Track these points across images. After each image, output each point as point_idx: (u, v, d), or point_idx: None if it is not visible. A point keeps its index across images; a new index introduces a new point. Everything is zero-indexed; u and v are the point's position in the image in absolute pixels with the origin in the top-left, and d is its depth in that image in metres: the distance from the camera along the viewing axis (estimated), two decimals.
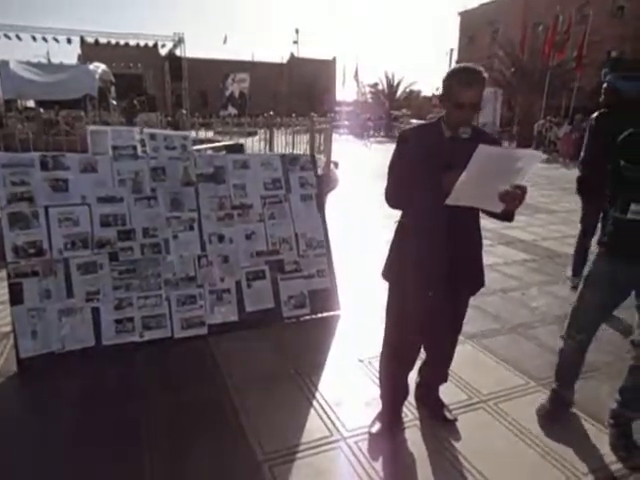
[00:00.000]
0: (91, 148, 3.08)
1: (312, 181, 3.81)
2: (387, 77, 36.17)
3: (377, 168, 12.06)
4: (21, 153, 3.22)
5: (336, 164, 12.90)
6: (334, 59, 45.81)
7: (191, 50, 30.77)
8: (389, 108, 34.44)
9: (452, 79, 1.90)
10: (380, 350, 2.37)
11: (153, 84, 33.40)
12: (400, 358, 2.32)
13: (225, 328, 3.35)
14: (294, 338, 3.33)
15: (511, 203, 1.80)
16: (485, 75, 1.90)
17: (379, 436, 2.31)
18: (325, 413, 2.50)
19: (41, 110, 10.73)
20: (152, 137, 3.30)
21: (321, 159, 10.33)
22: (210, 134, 14.47)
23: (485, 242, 2.28)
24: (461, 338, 3.31)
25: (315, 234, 3.73)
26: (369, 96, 37.09)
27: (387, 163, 2.11)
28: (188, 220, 3.33)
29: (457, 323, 2.35)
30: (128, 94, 24.95)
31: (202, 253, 3.36)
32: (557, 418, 2.47)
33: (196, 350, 3.12)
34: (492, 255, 5.25)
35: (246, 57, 43.46)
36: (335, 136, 23.28)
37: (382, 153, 16.77)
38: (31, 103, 21.55)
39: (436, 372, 2.52)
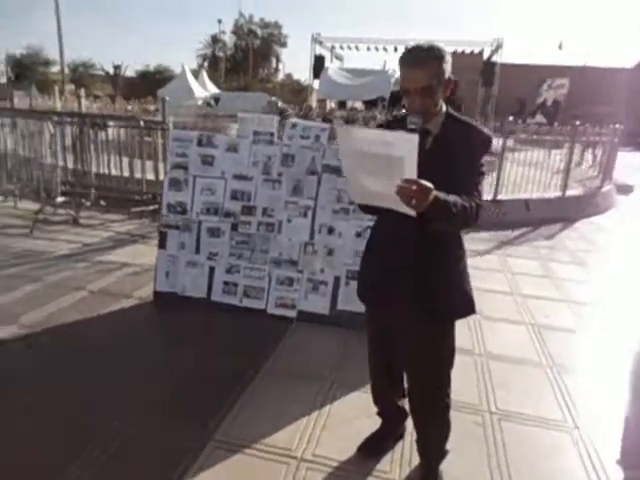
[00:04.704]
0: (237, 132, 3.57)
1: None
2: None
3: None
4: (187, 131, 3.96)
5: (627, 188, 10.48)
6: None
7: (516, 56, 29.59)
8: None
9: (399, 61, 1.61)
10: None
11: (467, 89, 33.76)
12: (372, 380, 2.14)
13: (313, 318, 3.38)
14: None
15: (408, 202, 1.42)
16: (435, 53, 1.57)
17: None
18: (312, 428, 2.29)
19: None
20: (293, 126, 3.55)
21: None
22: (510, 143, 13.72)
23: None
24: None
25: None
26: None
27: None
28: (304, 207, 3.47)
29: (427, 362, 1.85)
30: None
31: (310, 241, 3.45)
32: None
33: (272, 328, 3.28)
34: None
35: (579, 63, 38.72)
36: None
37: None
38: (358, 104, 25.17)
39: (418, 433, 2.01)
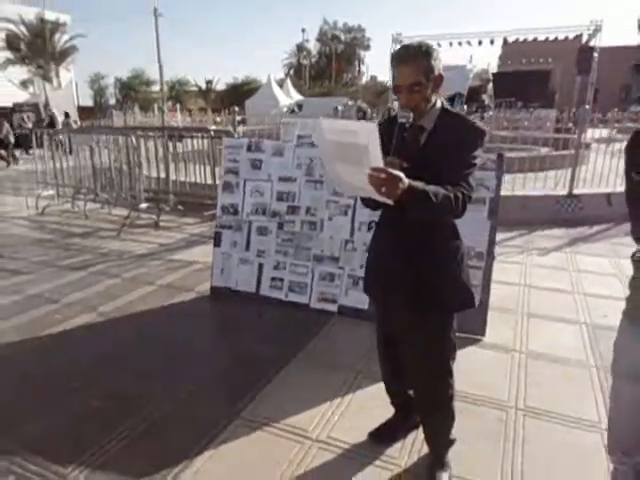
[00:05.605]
0: (282, 136, 3.79)
1: (489, 183, 3.29)
2: None
3: None
4: (237, 139, 4.24)
5: None
6: None
7: (621, 38, 26.96)
8: None
9: (391, 59, 1.72)
10: None
11: (563, 79, 31.44)
12: (382, 371, 2.25)
13: (353, 313, 3.49)
14: None
15: (378, 190, 1.48)
16: (423, 50, 1.65)
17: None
18: (331, 414, 2.43)
19: None
20: None
21: None
22: (604, 132, 12.69)
23: None
24: None
25: (475, 243, 3.24)
26: None
27: None
28: (345, 206, 3.60)
29: (426, 353, 1.90)
30: (528, 91, 24.80)
31: (350, 238, 3.57)
32: None
33: (313, 321, 3.44)
34: None
35: None
36: None
37: None
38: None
39: (422, 422, 2.08)
